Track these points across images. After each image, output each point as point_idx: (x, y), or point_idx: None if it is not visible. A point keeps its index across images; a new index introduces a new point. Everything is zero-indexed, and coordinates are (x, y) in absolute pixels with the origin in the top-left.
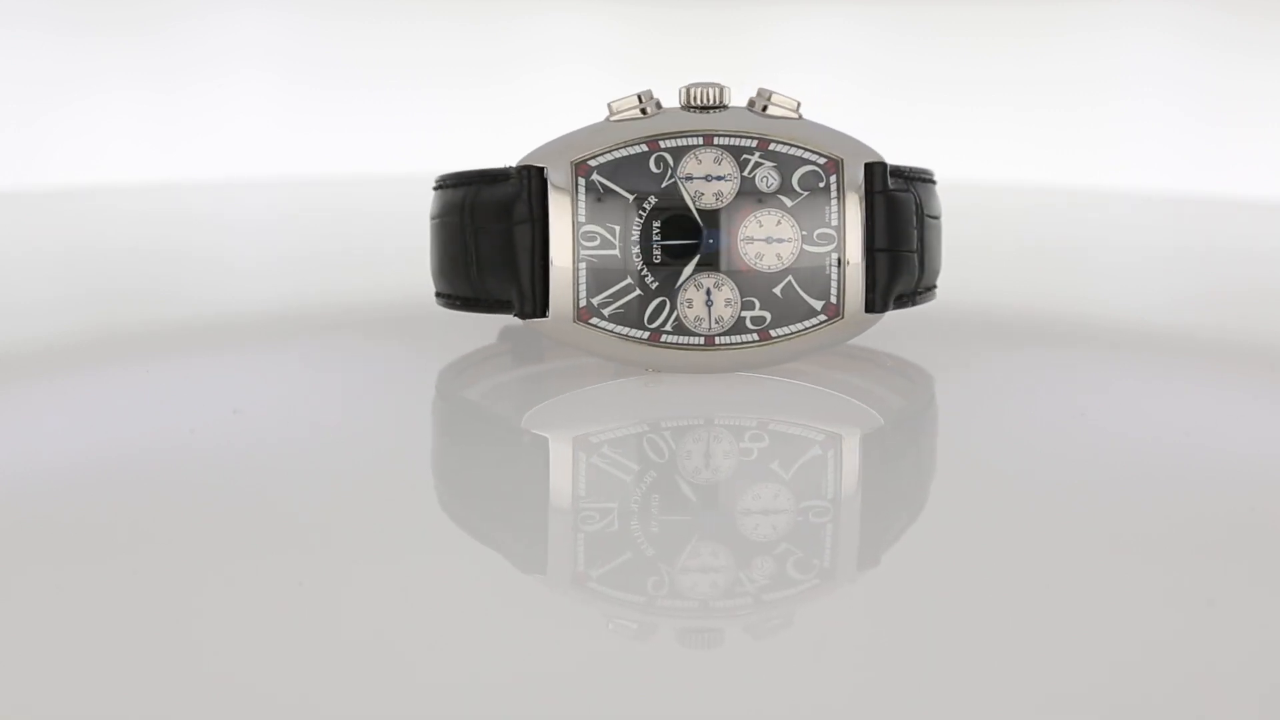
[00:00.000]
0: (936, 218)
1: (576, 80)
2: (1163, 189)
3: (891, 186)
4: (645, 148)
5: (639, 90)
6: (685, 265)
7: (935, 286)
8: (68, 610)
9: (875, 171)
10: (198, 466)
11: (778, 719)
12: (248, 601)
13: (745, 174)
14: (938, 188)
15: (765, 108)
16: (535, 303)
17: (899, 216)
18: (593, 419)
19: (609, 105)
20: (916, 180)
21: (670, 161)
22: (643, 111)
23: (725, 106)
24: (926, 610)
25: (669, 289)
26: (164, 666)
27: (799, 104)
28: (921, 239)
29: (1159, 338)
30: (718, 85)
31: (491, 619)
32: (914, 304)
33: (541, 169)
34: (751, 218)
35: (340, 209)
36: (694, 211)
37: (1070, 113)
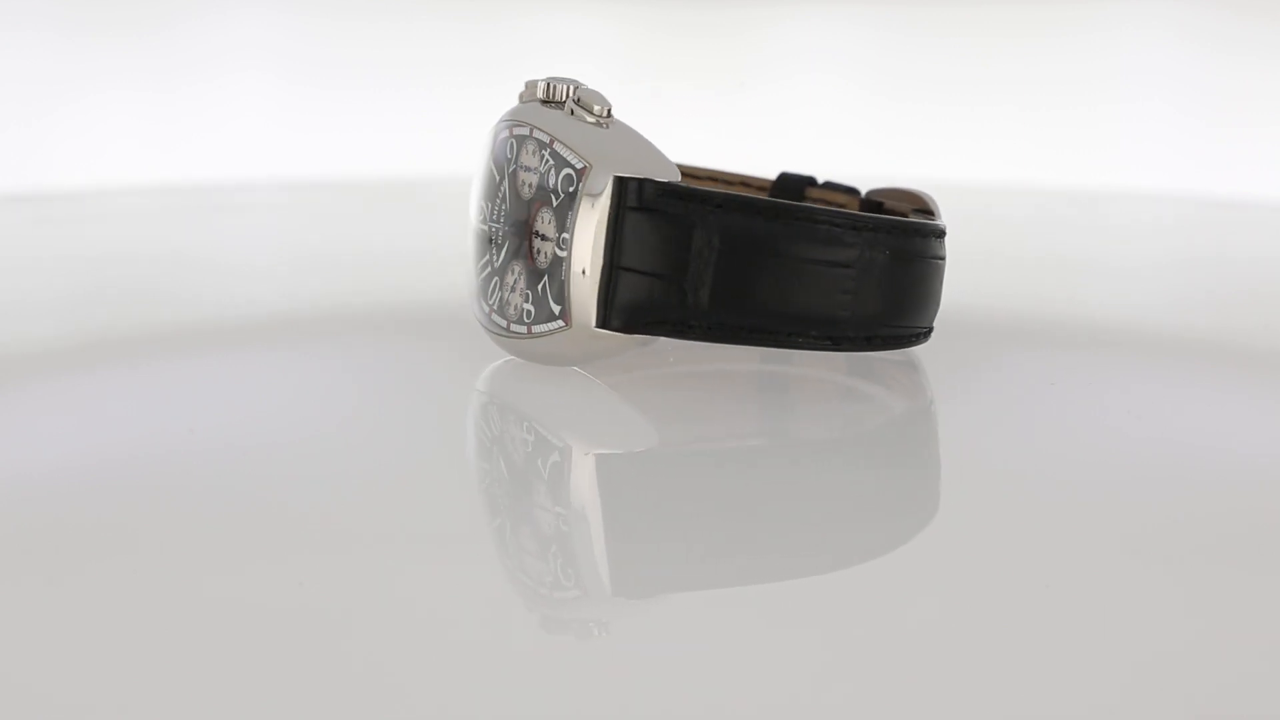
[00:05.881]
0: (814, 262)
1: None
2: (1164, 189)
3: (655, 205)
4: (508, 132)
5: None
6: (504, 250)
7: (818, 335)
8: (66, 610)
9: (634, 187)
10: (190, 466)
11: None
12: (244, 598)
13: (542, 169)
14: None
15: (571, 109)
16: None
17: (649, 237)
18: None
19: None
20: (748, 211)
21: (516, 148)
22: (519, 98)
23: (573, 103)
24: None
25: (500, 270)
26: (163, 664)
27: (608, 108)
28: (724, 269)
29: (1159, 338)
30: (573, 82)
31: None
32: (692, 337)
33: None
34: (540, 213)
35: (339, 209)
36: (509, 198)
37: (1070, 112)
